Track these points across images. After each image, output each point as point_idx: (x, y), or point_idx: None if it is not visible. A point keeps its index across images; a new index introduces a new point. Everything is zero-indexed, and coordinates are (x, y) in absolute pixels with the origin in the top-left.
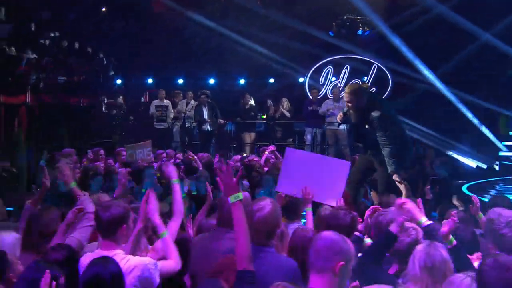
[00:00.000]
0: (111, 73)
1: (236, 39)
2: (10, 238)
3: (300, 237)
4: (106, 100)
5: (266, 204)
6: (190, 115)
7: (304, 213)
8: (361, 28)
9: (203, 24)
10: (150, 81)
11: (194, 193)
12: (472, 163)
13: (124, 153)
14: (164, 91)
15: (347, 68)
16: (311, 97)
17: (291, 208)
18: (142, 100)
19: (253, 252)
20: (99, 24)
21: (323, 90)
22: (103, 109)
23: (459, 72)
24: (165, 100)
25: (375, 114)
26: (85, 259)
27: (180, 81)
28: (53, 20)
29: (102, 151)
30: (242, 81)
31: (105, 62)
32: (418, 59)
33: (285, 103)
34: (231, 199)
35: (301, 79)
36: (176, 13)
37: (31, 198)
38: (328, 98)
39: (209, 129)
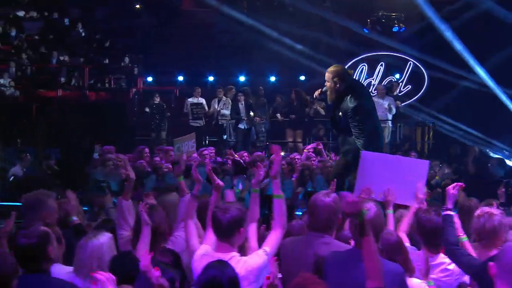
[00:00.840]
0: (141, 70)
1: (267, 35)
2: (106, 238)
3: (385, 240)
4: (136, 97)
5: (371, 207)
6: (224, 112)
7: None
8: (396, 25)
9: (233, 19)
10: (180, 78)
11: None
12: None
13: (172, 152)
14: (200, 88)
15: (381, 65)
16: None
17: None
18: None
19: (357, 256)
20: (128, 21)
21: None
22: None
23: (506, 68)
24: (199, 98)
25: (351, 104)
26: (200, 261)
27: (211, 78)
28: (83, 17)
29: (147, 149)
30: (272, 78)
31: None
32: (466, 54)
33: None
34: (359, 218)
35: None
36: (206, 9)
37: (100, 197)
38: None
39: (246, 127)
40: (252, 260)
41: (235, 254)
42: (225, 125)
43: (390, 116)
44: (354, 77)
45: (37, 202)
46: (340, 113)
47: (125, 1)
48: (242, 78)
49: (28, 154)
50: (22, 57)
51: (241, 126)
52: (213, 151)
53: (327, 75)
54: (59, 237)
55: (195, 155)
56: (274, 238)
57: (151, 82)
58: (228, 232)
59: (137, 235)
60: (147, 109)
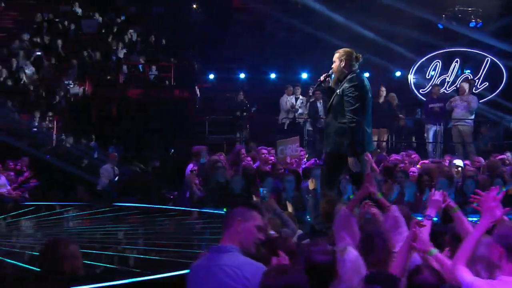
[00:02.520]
0: (199, 67)
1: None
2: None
3: None
4: (198, 94)
5: None
6: (302, 111)
7: None
8: (473, 20)
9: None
10: (242, 75)
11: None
12: None
13: (264, 151)
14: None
15: (457, 61)
16: (433, 94)
17: None
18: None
19: None
20: (182, 19)
21: (430, 85)
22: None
23: None
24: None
25: (352, 82)
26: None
27: (273, 75)
28: (138, 15)
29: (243, 150)
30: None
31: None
32: None
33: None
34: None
35: (398, 73)
36: (257, 5)
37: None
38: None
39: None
40: None
41: None
42: (301, 123)
43: (472, 116)
44: (427, 75)
45: None
46: (333, 99)
47: (179, 0)
48: (304, 75)
49: (115, 153)
50: (83, 55)
51: (319, 125)
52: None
53: (336, 55)
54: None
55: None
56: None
57: (212, 79)
58: None
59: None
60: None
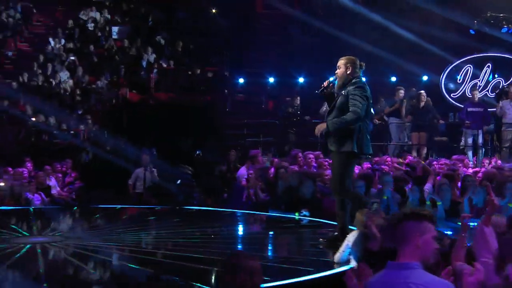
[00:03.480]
0: (227, 72)
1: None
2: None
3: None
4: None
5: None
6: None
7: None
8: (505, 26)
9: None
10: (271, 80)
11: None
12: None
13: (311, 156)
14: None
15: (488, 66)
16: (473, 98)
17: None
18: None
19: None
20: (206, 24)
21: (461, 90)
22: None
23: None
24: None
25: (356, 85)
26: None
27: (301, 79)
28: (165, 21)
29: (300, 154)
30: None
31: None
32: None
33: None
34: None
35: (425, 77)
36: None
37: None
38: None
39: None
40: None
41: None
42: None
43: None
44: (458, 80)
45: None
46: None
47: (202, 5)
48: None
49: (147, 155)
50: (115, 59)
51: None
52: None
53: (341, 62)
54: None
55: None
56: None
57: (242, 83)
58: None
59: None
60: (290, 109)
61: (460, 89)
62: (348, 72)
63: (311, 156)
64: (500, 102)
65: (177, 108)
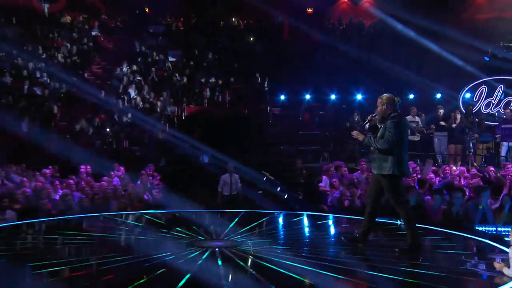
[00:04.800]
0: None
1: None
2: None
3: None
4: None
5: None
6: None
7: None
8: None
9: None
10: (307, 97)
11: None
12: None
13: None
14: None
15: (501, 87)
16: (505, 116)
17: None
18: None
19: None
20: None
21: (477, 106)
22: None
23: None
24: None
25: (393, 120)
26: None
27: (333, 96)
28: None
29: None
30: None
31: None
32: None
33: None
34: None
35: (438, 95)
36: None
37: None
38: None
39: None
40: None
41: None
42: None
43: None
44: (474, 98)
45: None
46: (378, 132)
47: (242, 33)
48: (359, 96)
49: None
50: (173, 79)
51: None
52: None
53: (380, 101)
54: None
55: None
56: None
57: (284, 100)
58: None
59: None
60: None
61: (477, 105)
62: (385, 108)
63: None
64: None
65: (226, 120)
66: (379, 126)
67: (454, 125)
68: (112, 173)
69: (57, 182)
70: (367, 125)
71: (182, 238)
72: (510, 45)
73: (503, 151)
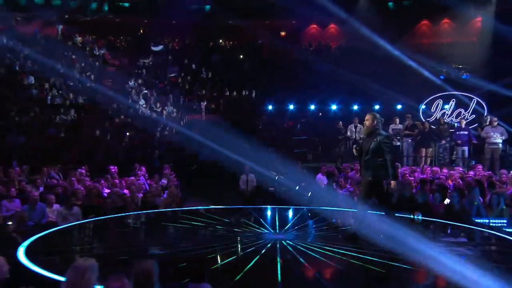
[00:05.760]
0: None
1: None
2: None
3: None
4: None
5: None
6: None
7: None
8: (465, 73)
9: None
10: (291, 107)
11: None
12: None
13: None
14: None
15: (453, 101)
16: (458, 124)
17: None
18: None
19: None
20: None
21: (434, 116)
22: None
23: None
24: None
25: (384, 134)
26: None
27: (334, 107)
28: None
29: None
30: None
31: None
32: None
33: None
34: None
35: (399, 106)
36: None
37: None
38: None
39: None
40: None
41: None
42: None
43: (501, 140)
44: (431, 109)
45: None
46: (370, 144)
47: (233, 52)
48: (334, 107)
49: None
50: (174, 91)
51: None
52: None
53: (369, 117)
54: None
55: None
56: None
57: (271, 110)
58: None
59: None
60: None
61: (433, 115)
62: (373, 124)
63: None
64: (485, 128)
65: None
66: (367, 138)
67: (426, 130)
68: (139, 172)
69: (102, 180)
70: (355, 152)
71: (253, 232)
72: (460, 66)
73: (462, 154)
